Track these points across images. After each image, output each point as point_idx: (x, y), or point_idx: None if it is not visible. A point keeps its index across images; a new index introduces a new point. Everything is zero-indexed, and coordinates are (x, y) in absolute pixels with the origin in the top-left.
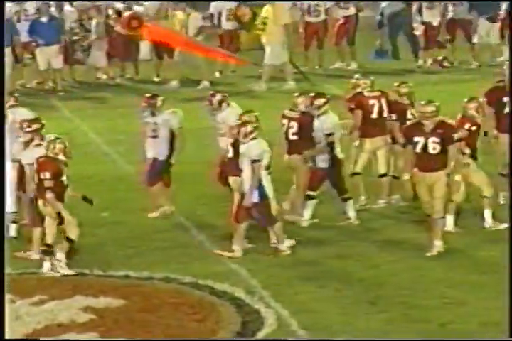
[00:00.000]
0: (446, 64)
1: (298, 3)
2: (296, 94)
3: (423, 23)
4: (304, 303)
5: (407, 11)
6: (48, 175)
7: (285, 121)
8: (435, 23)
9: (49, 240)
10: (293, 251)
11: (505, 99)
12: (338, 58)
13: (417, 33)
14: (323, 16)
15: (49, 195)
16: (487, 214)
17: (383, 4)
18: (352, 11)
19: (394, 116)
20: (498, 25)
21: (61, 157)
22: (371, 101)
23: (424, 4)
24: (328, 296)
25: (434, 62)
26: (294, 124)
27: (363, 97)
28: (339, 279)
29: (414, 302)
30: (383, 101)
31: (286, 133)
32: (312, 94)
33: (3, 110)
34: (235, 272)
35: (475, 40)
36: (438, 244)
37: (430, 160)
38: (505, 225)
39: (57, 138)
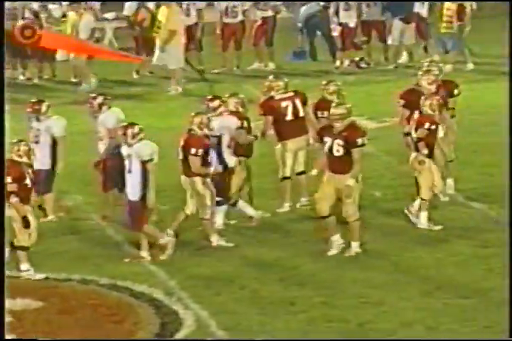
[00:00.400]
0: (362, 65)
1: (215, 3)
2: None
3: (340, 24)
4: (223, 304)
5: (324, 12)
6: (9, 179)
7: None
8: (352, 25)
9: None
10: (212, 252)
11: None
12: (256, 59)
13: (334, 34)
14: (240, 17)
15: (13, 199)
16: (422, 215)
17: (304, 7)
18: (270, 12)
19: (326, 114)
20: (412, 26)
21: (25, 159)
22: (284, 104)
23: (341, 5)
24: (247, 297)
25: (351, 63)
26: None
27: (274, 101)
28: (258, 280)
29: (333, 303)
30: (297, 101)
31: None
32: (209, 97)
33: (3, 109)
34: (154, 273)
35: (389, 41)
36: (355, 245)
37: (335, 162)
38: (439, 227)
39: (21, 140)
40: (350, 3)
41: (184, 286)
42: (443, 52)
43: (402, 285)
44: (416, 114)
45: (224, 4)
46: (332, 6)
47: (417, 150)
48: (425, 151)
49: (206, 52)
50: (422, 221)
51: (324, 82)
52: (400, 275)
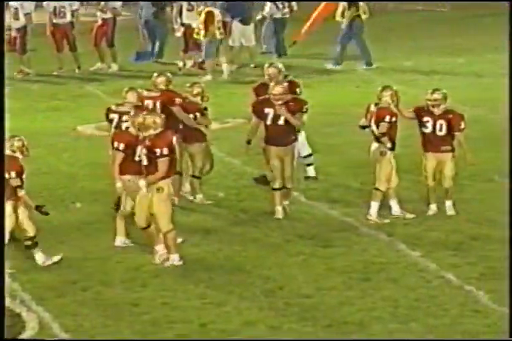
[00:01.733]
0: (205, 66)
1: (44, 3)
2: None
3: (183, 24)
4: (66, 306)
5: (161, 13)
6: (13, 174)
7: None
8: (194, 25)
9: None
10: (54, 253)
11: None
12: (98, 60)
13: (178, 34)
14: (69, 18)
15: (21, 192)
16: (373, 206)
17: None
18: (109, 14)
19: (198, 115)
20: (251, 27)
21: (18, 155)
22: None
23: (184, 6)
24: (90, 299)
25: (194, 64)
26: None
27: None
28: (101, 281)
29: (175, 304)
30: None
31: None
32: None
33: (3, 107)
34: None
35: (230, 42)
36: (174, 258)
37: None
38: (387, 220)
39: (15, 135)
40: (193, 3)
41: (27, 288)
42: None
43: (245, 285)
44: (372, 107)
45: (52, 5)
46: (175, 6)
47: (378, 141)
48: (389, 145)
49: (43, 54)
50: (372, 211)
51: (188, 84)
52: (243, 275)
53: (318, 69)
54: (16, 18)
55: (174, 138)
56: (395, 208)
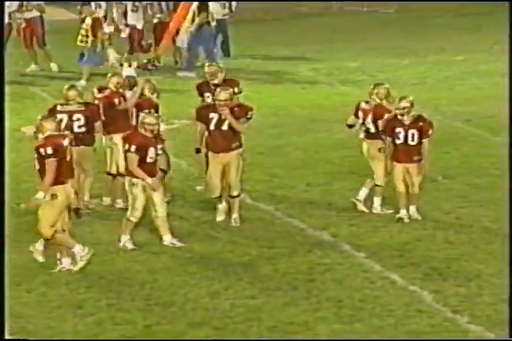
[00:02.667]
0: (150, 67)
1: None
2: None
3: (127, 25)
4: (11, 308)
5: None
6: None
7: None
8: (139, 27)
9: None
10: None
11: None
12: (31, 61)
13: (123, 35)
14: (6, 19)
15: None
16: (376, 200)
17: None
18: (35, 13)
19: (153, 111)
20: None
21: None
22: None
23: (129, 7)
24: (35, 300)
25: (140, 66)
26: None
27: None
28: (45, 283)
29: (119, 305)
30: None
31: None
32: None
33: (3, 108)
34: None
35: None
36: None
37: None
38: (391, 211)
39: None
40: (137, 3)
41: None
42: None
43: (190, 286)
44: (364, 105)
45: None
46: (117, 7)
47: (373, 138)
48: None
49: None
50: (375, 205)
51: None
52: (188, 276)
53: (263, 70)
54: None
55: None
56: (376, 205)
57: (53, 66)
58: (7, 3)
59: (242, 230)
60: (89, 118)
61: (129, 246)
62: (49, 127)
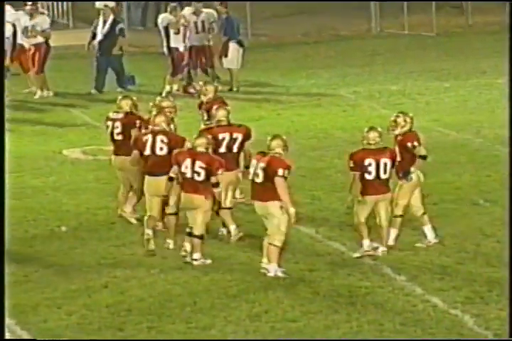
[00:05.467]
0: (191, 90)
1: None
2: (120, 97)
3: (169, 48)
4: (51, 330)
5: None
6: None
7: (109, 123)
8: (181, 49)
9: None
10: (38, 278)
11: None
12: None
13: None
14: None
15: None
16: (393, 233)
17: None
18: (39, 39)
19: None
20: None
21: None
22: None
23: (172, 30)
24: (75, 323)
25: (180, 89)
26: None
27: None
28: (86, 306)
29: (160, 328)
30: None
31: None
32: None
33: (3, 111)
34: None
35: (225, 64)
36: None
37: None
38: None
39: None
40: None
41: (12, 313)
42: None
43: (230, 309)
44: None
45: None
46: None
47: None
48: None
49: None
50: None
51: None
52: (229, 299)
53: (304, 93)
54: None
55: None
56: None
57: (38, 92)
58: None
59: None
60: (125, 127)
61: (281, 274)
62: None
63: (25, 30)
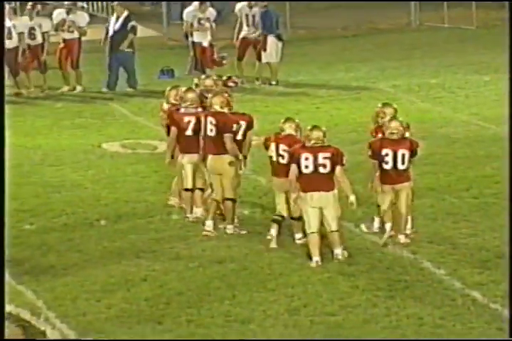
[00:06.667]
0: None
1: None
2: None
3: (193, 42)
4: (91, 323)
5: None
6: None
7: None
8: (205, 44)
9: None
10: (76, 271)
11: None
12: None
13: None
14: (40, 40)
15: None
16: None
17: None
18: (74, 34)
19: None
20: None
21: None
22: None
23: (195, 25)
24: (115, 316)
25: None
26: None
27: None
28: (125, 299)
29: (199, 321)
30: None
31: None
32: None
33: (3, 111)
34: (21, 293)
35: (264, 59)
36: None
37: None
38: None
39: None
40: (202, 21)
41: (51, 306)
42: None
43: (269, 303)
44: None
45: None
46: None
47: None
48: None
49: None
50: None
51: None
52: (268, 293)
53: (343, 86)
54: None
55: None
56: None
57: (79, 88)
58: (43, 24)
59: (321, 246)
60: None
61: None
62: None
63: (60, 23)
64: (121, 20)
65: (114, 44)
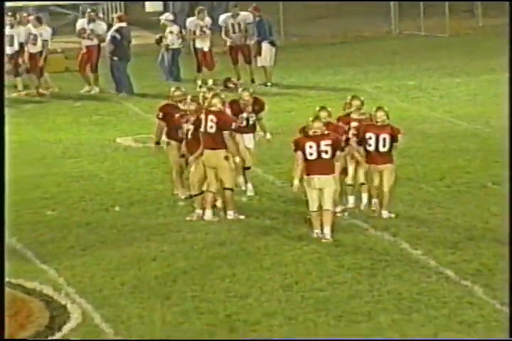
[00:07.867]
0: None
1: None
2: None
3: (195, 48)
4: (106, 298)
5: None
6: None
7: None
8: (206, 49)
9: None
10: (94, 251)
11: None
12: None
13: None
14: (40, 47)
15: None
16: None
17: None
18: (94, 41)
19: None
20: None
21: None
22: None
23: (197, 32)
24: (127, 292)
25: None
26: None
27: None
28: (137, 277)
29: (203, 296)
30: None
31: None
32: None
33: (3, 111)
34: (44, 271)
35: (259, 63)
36: None
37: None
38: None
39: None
40: (204, 28)
41: (71, 283)
42: None
43: (265, 280)
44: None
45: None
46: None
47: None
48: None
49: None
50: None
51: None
52: (264, 271)
53: (331, 87)
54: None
55: None
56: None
57: (95, 88)
58: (44, 33)
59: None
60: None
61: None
62: None
63: (81, 31)
64: (110, 31)
65: (113, 52)
